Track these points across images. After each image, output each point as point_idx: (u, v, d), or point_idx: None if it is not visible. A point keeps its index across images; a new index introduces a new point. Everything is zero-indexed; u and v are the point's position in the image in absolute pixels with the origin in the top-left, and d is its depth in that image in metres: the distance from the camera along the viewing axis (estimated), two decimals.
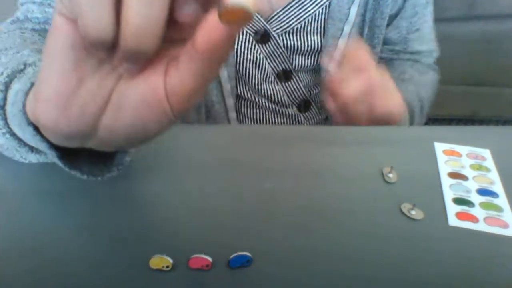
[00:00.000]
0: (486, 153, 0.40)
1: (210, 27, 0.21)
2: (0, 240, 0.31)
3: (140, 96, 0.24)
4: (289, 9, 0.56)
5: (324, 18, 0.58)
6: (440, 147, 0.41)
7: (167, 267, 0.29)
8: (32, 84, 0.29)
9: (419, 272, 0.29)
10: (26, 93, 0.29)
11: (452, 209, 0.34)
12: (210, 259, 0.29)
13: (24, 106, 0.29)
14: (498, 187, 0.36)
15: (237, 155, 0.40)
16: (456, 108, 1.48)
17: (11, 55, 0.36)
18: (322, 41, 0.60)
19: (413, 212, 0.34)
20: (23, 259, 0.30)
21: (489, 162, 0.39)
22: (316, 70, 0.63)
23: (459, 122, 1.55)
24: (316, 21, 0.58)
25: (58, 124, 0.24)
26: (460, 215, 0.34)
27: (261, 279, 0.29)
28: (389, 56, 0.68)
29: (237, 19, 0.20)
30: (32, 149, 0.33)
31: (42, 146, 0.30)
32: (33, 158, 0.34)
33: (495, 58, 1.34)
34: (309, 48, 0.60)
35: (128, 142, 0.27)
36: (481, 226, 0.33)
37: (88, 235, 0.32)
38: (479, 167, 0.38)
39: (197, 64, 0.22)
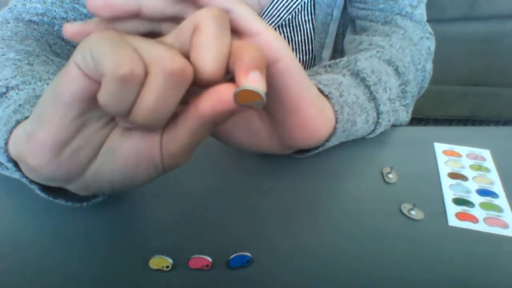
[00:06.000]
0: (486, 153, 0.40)
1: (220, 99, 0.22)
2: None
3: (134, 146, 0.24)
4: (277, 1, 0.56)
5: (313, 5, 0.58)
6: (440, 148, 0.41)
7: (167, 267, 0.29)
8: (17, 122, 0.27)
9: (419, 273, 0.29)
10: (10, 131, 0.27)
11: (452, 209, 0.34)
12: (210, 259, 0.29)
13: (6, 143, 0.27)
14: (498, 188, 0.36)
15: (237, 155, 0.40)
16: (456, 108, 1.48)
17: None
18: (314, 29, 0.59)
19: (413, 212, 0.34)
20: (22, 259, 0.30)
21: (489, 163, 0.39)
22: (311, 67, 0.63)
23: (459, 122, 1.55)
24: (306, 9, 0.57)
25: (47, 167, 0.24)
26: (460, 215, 0.34)
27: (261, 279, 0.29)
28: (357, 11, 0.55)
29: (249, 100, 0.21)
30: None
31: (22, 180, 0.29)
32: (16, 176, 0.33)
33: (495, 58, 1.35)
34: (303, 38, 0.59)
35: (111, 188, 0.27)
36: (481, 226, 0.33)
37: (88, 235, 0.32)
38: (479, 168, 0.39)
39: (195, 125, 0.23)
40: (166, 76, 0.20)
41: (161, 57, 0.20)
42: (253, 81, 0.21)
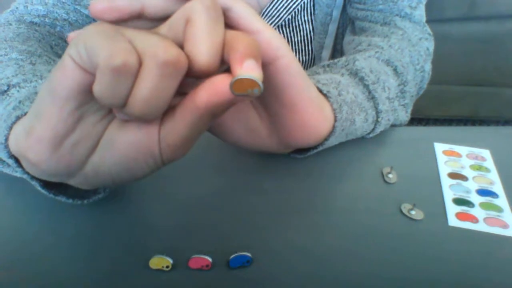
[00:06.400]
0: (486, 153, 0.40)
1: (216, 90, 0.22)
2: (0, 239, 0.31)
3: (132, 139, 0.24)
4: (277, 2, 0.56)
5: (313, 5, 0.58)
6: (440, 148, 0.41)
7: (167, 267, 0.29)
8: (17, 118, 0.28)
9: (419, 273, 0.29)
10: (10, 127, 0.27)
11: (452, 209, 0.34)
12: (210, 259, 0.29)
13: (6, 139, 0.27)
14: (498, 188, 0.36)
15: (237, 155, 0.40)
16: (456, 108, 1.48)
17: None
18: (314, 29, 0.59)
19: (413, 212, 0.34)
20: (22, 258, 0.30)
21: (489, 163, 0.39)
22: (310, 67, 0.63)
23: (459, 122, 1.55)
24: (305, 10, 0.58)
25: (47, 162, 0.24)
26: (460, 216, 0.34)
27: (261, 279, 0.29)
28: (356, 12, 0.55)
29: (246, 89, 0.21)
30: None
31: (24, 176, 0.29)
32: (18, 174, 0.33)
33: (495, 58, 1.35)
34: (302, 38, 0.60)
35: (112, 181, 0.27)
36: (481, 226, 0.33)
37: (88, 235, 0.32)
38: (479, 168, 0.39)
39: (193, 117, 0.23)
40: (160, 66, 0.20)
41: (154, 47, 0.20)
42: (248, 69, 0.21)
